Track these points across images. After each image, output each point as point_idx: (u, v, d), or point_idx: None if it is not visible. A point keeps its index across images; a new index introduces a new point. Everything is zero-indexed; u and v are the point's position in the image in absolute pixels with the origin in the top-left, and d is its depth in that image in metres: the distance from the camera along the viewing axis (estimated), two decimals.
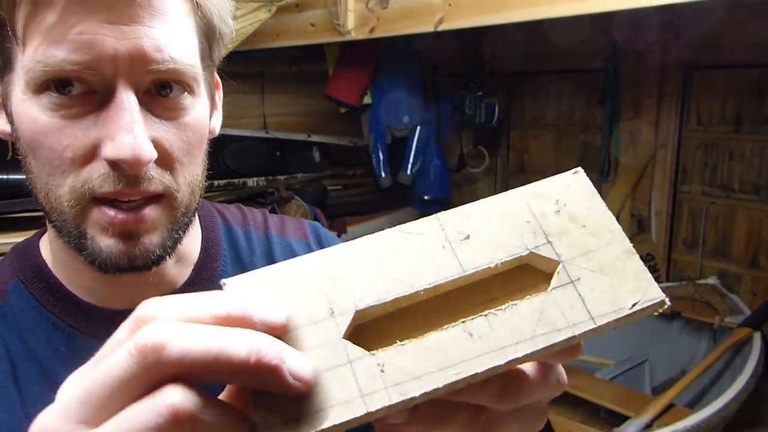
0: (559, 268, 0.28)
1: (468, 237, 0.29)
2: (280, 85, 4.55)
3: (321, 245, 0.63)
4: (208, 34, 0.47)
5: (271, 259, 0.60)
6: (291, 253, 0.61)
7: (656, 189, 3.79)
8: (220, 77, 0.57)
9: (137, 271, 0.45)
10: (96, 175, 0.41)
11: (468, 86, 4.26)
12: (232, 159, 3.91)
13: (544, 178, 0.31)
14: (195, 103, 0.46)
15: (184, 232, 0.48)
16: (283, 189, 4.07)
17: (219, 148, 3.82)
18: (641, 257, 0.29)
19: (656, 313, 0.28)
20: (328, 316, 0.27)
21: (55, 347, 0.48)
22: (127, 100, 0.41)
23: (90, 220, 0.43)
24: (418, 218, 0.31)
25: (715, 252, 3.65)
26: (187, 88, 0.45)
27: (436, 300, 0.29)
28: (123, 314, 0.49)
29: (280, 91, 4.58)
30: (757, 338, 2.49)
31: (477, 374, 0.25)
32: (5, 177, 2.89)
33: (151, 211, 0.43)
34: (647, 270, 0.29)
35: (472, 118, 4.31)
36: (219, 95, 0.56)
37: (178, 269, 0.54)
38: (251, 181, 3.98)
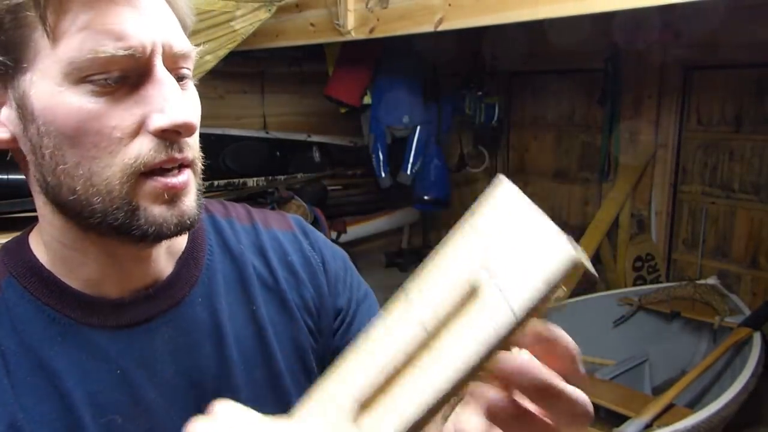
0: (484, 285, 0.31)
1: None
2: (280, 85, 4.55)
3: (306, 236, 0.66)
4: (181, 25, 0.52)
5: (260, 249, 0.62)
6: (278, 244, 0.63)
7: (656, 189, 3.79)
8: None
9: (181, 234, 0.49)
10: (146, 149, 0.45)
11: (468, 86, 4.26)
12: (232, 159, 3.91)
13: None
14: (192, 83, 0.52)
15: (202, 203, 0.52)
16: (283, 189, 4.07)
17: (219, 148, 3.82)
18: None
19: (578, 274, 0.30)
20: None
21: (51, 337, 0.50)
22: (167, 76, 0.46)
23: (142, 193, 0.46)
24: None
25: (715, 252, 3.65)
26: (190, 69, 0.51)
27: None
28: (116, 303, 0.51)
29: (280, 91, 4.58)
30: (757, 338, 2.49)
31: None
32: (5, 177, 2.89)
33: (187, 175, 0.48)
34: (559, 232, 0.30)
35: (472, 118, 4.31)
36: None
37: (167, 258, 0.56)
38: (251, 181, 3.98)
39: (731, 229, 3.57)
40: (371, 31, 2.75)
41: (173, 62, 0.47)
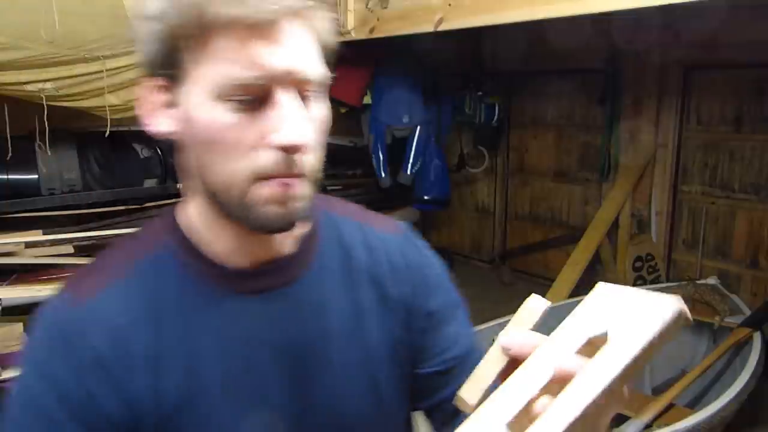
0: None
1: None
2: None
3: (411, 241, 0.75)
4: (323, 49, 0.60)
5: (368, 246, 0.71)
6: (385, 244, 0.72)
7: (656, 189, 3.79)
8: None
9: (285, 231, 0.60)
10: (268, 161, 0.56)
11: (468, 86, 4.26)
12: None
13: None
14: (321, 103, 0.60)
15: (312, 205, 0.61)
16: None
17: None
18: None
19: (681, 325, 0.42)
20: None
21: (192, 294, 0.62)
22: (289, 101, 0.55)
23: (258, 194, 0.57)
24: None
25: (715, 252, 3.66)
26: (317, 91, 0.59)
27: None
28: (244, 273, 0.65)
29: None
30: (757, 338, 2.50)
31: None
32: (5, 177, 2.89)
33: (299, 185, 0.58)
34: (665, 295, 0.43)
35: (472, 118, 4.31)
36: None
37: (289, 240, 0.66)
38: None
39: (731, 229, 3.58)
40: (371, 31, 2.75)
41: (300, 86, 0.57)
